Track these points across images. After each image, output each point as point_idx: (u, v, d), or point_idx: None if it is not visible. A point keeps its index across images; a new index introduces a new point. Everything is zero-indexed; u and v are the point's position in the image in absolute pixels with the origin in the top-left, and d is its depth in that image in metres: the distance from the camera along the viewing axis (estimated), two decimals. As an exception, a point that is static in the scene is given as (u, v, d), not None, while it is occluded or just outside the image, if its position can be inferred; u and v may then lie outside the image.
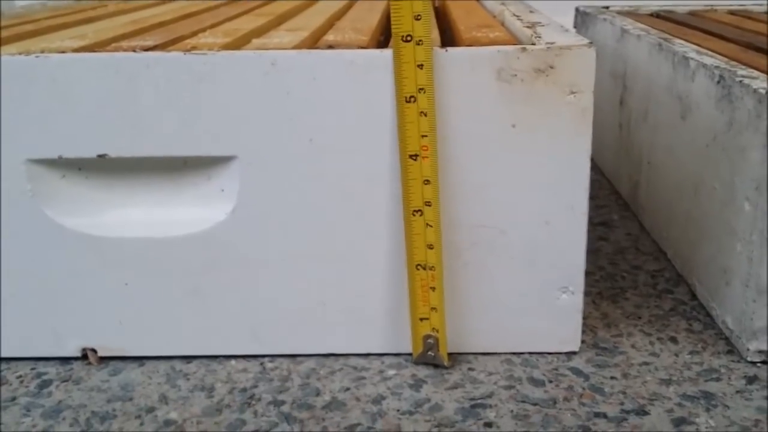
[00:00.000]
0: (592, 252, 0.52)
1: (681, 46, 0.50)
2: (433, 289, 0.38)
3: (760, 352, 0.39)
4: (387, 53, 0.36)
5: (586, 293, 0.43)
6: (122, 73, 0.36)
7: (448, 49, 0.36)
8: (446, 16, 0.62)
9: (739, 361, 0.39)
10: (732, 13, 0.74)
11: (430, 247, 0.37)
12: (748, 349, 0.39)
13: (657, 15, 0.75)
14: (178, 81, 0.36)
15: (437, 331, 0.39)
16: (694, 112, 0.46)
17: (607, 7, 0.78)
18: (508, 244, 0.38)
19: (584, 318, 0.41)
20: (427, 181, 0.37)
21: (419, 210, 0.37)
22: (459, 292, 0.39)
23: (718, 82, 0.42)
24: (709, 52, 0.48)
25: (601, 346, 0.40)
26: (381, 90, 0.36)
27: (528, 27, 0.43)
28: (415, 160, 0.36)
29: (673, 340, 0.41)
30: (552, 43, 0.36)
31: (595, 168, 0.70)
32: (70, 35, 0.45)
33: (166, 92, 0.37)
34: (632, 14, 0.75)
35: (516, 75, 0.36)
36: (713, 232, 0.43)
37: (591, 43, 0.36)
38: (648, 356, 0.39)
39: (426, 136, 0.36)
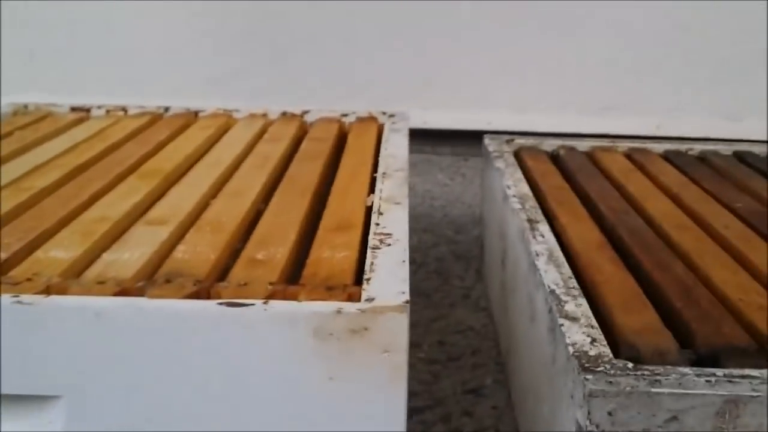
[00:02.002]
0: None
1: (537, 243, 0.52)
2: None
3: None
4: (211, 308, 0.38)
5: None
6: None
7: (268, 306, 0.38)
8: (341, 162, 0.64)
9: None
10: (628, 155, 0.76)
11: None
12: None
13: (556, 155, 0.77)
14: (8, 324, 0.38)
15: None
16: (537, 323, 0.48)
17: (511, 139, 0.80)
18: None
19: None
20: None
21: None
22: None
23: (549, 312, 0.44)
24: (559, 259, 0.50)
25: None
26: (204, 344, 0.38)
27: (375, 245, 0.45)
28: None
29: None
30: (369, 302, 0.38)
31: (486, 309, 0.72)
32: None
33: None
34: (532, 151, 0.77)
35: (332, 334, 0.38)
36: (545, 448, 0.45)
37: (407, 302, 0.38)
38: None
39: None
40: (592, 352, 0.38)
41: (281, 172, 0.61)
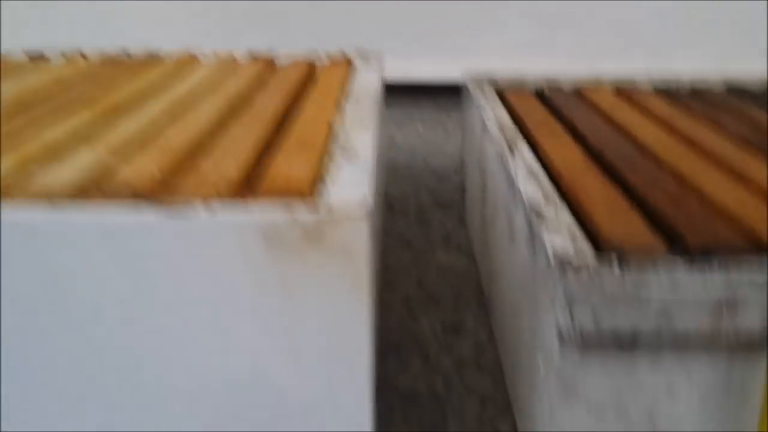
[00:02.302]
0: (433, 366, 0.51)
1: (515, 161, 0.49)
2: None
3: None
4: (151, 217, 0.34)
5: (409, 421, 0.41)
6: None
7: (215, 214, 0.34)
8: (307, 95, 0.60)
9: None
10: (618, 91, 0.73)
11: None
12: None
13: (541, 93, 0.73)
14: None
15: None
16: (517, 241, 0.45)
17: (495, 80, 0.76)
18: (288, 407, 0.36)
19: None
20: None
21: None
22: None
23: (528, 224, 0.40)
24: (539, 174, 0.46)
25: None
26: (145, 257, 0.34)
27: (338, 161, 0.41)
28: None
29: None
30: (327, 209, 0.34)
31: (469, 253, 0.68)
32: None
33: None
34: (516, 90, 0.73)
35: (286, 242, 0.34)
36: (526, 370, 0.41)
37: (368, 211, 0.34)
38: None
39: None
40: (573, 254, 0.34)
41: (243, 104, 0.57)
